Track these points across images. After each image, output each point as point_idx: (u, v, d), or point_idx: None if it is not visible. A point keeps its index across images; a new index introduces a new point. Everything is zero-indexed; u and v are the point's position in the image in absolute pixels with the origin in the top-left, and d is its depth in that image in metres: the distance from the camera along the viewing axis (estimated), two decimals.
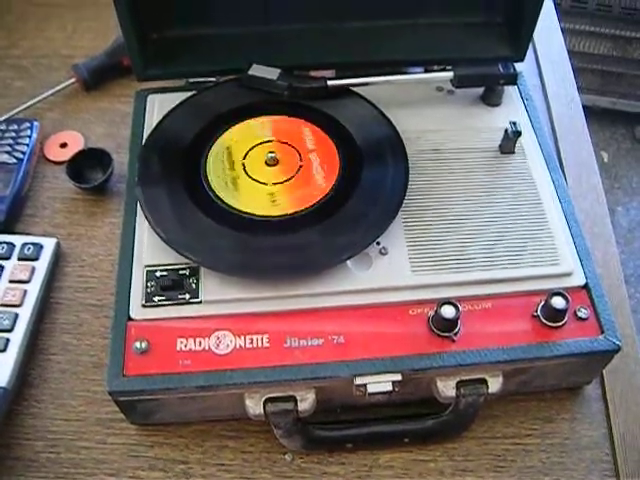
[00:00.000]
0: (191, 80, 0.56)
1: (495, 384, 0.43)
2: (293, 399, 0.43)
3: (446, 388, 0.43)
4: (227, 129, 0.52)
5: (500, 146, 0.51)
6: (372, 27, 0.55)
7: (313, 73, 0.54)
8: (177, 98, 0.54)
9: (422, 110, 0.54)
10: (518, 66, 0.54)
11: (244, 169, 0.49)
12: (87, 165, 0.58)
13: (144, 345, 0.43)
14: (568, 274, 0.46)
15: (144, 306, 0.44)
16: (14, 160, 0.57)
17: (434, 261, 0.46)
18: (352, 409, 0.46)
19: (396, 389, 0.43)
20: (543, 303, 0.44)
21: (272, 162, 0.49)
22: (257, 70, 0.52)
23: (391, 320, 0.44)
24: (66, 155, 0.59)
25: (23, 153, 0.58)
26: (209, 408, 0.45)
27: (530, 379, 0.46)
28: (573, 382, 0.48)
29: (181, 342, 0.43)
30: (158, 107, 0.54)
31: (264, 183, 0.49)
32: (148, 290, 0.45)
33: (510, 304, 0.45)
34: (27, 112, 0.63)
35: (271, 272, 0.45)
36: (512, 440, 0.46)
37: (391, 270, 0.46)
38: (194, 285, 0.45)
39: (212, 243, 0.46)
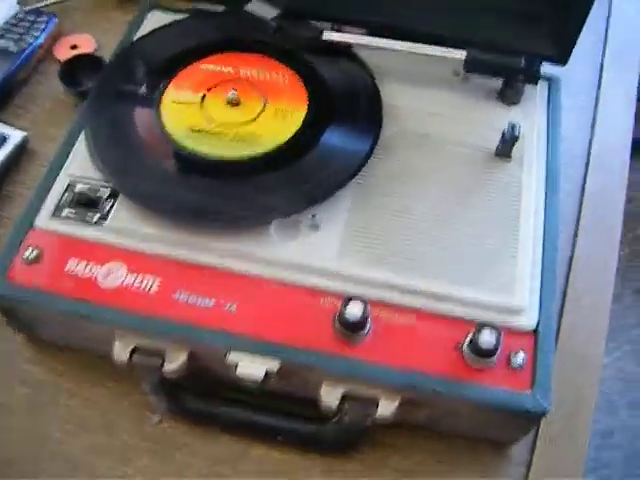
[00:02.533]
0: (198, 6, 0.52)
1: (386, 408, 0.37)
2: (161, 356, 0.39)
3: (329, 396, 0.38)
4: (197, 59, 0.47)
5: (496, 148, 0.44)
6: None
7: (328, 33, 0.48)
8: (173, 19, 0.51)
9: (427, 89, 0.47)
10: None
11: (202, 100, 0.45)
12: (83, 70, 0.55)
13: (34, 255, 0.40)
14: (518, 311, 0.39)
15: (52, 217, 0.42)
16: (16, 49, 0.56)
17: (370, 252, 0.40)
18: (235, 389, 0.41)
19: (272, 379, 0.38)
20: (472, 335, 0.37)
21: (233, 102, 0.45)
22: (255, 5, 0.47)
23: (296, 304, 0.39)
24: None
25: (29, 44, 0.56)
26: (89, 340, 0.41)
27: (438, 416, 0.39)
28: (494, 436, 0.40)
29: (72, 263, 0.40)
30: (152, 23, 0.51)
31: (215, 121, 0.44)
32: (61, 202, 0.42)
33: (437, 326, 0.38)
34: (56, 7, 0.61)
35: (184, 214, 0.41)
36: (403, 476, 0.40)
37: (315, 248, 0.40)
38: (107, 209, 0.42)
39: (136, 169, 0.42)
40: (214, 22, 0.50)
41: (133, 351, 0.39)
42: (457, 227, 0.41)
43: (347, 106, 0.45)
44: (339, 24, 0.48)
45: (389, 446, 0.41)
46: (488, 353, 0.37)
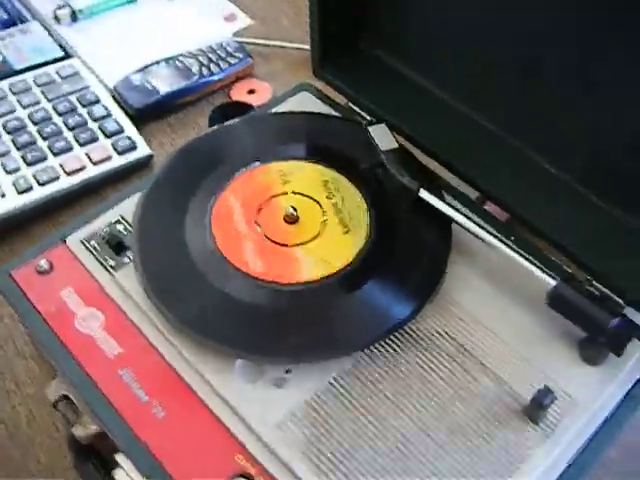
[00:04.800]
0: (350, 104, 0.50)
1: None
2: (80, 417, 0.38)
3: None
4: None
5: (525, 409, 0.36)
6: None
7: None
8: (314, 106, 0.49)
9: (500, 298, 0.40)
10: None
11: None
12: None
13: (45, 267, 0.42)
14: None
15: (81, 242, 0.43)
16: (198, 73, 0.59)
17: (308, 443, 0.35)
18: None
19: None
20: None
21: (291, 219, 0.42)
22: (379, 131, 0.44)
23: (214, 446, 0.35)
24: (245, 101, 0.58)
25: (210, 73, 0.59)
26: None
27: None
28: None
29: (68, 291, 0.41)
30: (292, 105, 0.50)
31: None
32: (97, 233, 0.43)
33: None
34: (266, 49, 0.63)
35: (172, 307, 0.39)
36: None
37: (263, 404, 0.36)
38: (125, 261, 0.42)
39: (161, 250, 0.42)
40: (322, 124, 0.48)
41: (64, 397, 0.39)
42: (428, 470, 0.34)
43: (401, 266, 0.40)
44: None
45: None
46: None
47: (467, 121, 0.45)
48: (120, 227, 0.43)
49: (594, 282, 0.38)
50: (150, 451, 0.35)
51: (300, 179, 0.44)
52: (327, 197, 0.43)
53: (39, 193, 0.51)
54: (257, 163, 0.45)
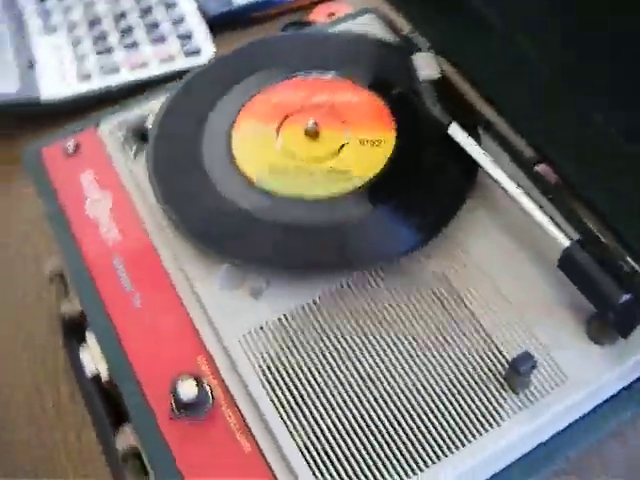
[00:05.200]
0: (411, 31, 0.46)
1: None
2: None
3: (122, 438, 0.34)
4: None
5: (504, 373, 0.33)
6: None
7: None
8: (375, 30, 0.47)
9: (516, 259, 0.36)
10: None
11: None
12: None
13: (71, 149, 0.43)
14: None
15: (111, 130, 0.43)
16: None
17: (270, 363, 0.34)
18: None
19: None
20: None
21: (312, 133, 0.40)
22: (423, 59, 0.40)
23: (179, 344, 0.35)
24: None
25: None
26: None
27: None
28: None
29: (86, 175, 0.42)
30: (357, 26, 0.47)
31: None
32: (128, 123, 0.43)
33: (260, 472, 0.32)
34: None
35: (171, 201, 0.39)
36: None
37: (235, 312, 0.35)
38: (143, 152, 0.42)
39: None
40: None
41: (59, 275, 0.40)
42: (381, 414, 0.32)
43: (411, 194, 0.38)
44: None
45: None
46: None
47: (535, 72, 0.40)
48: (148, 121, 0.43)
49: (628, 257, 0.34)
50: (118, 335, 0.36)
51: (330, 96, 0.42)
52: (353, 117, 0.41)
53: (98, 83, 0.52)
54: (288, 77, 0.43)
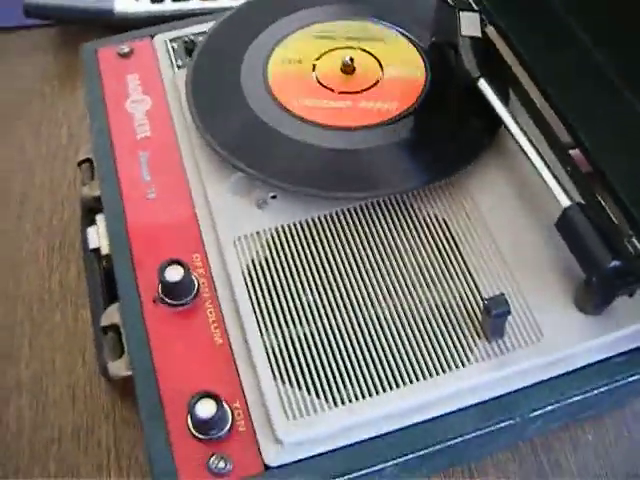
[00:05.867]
0: None
1: (115, 368, 0.34)
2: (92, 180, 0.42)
3: (107, 314, 0.36)
4: None
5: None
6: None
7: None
8: None
9: (520, 216, 0.36)
10: None
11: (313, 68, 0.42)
12: None
13: (125, 51, 0.45)
14: (276, 437, 0.30)
15: (167, 41, 0.46)
16: None
17: (258, 268, 0.35)
18: None
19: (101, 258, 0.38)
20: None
21: (348, 69, 0.41)
22: (469, 18, 0.41)
23: (179, 238, 0.37)
24: None
25: None
26: None
27: None
28: None
29: (133, 77, 0.44)
30: None
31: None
32: (182, 37, 0.46)
33: (223, 367, 0.33)
34: None
35: (202, 108, 0.40)
36: None
37: (236, 217, 0.36)
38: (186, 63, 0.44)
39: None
40: None
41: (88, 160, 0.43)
42: (359, 333, 0.33)
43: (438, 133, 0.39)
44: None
45: None
46: (196, 423, 0.31)
47: (583, 55, 0.40)
48: (199, 40, 0.45)
49: (633, 239, 0.33)
50: (125, 217, 0.38)
51: (367, 39, 0.43)
52: (389, 60, 0.42)
53: (170, 6, 0.54)
54: (328, 19, 0.45)
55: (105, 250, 0.37)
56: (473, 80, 0.38)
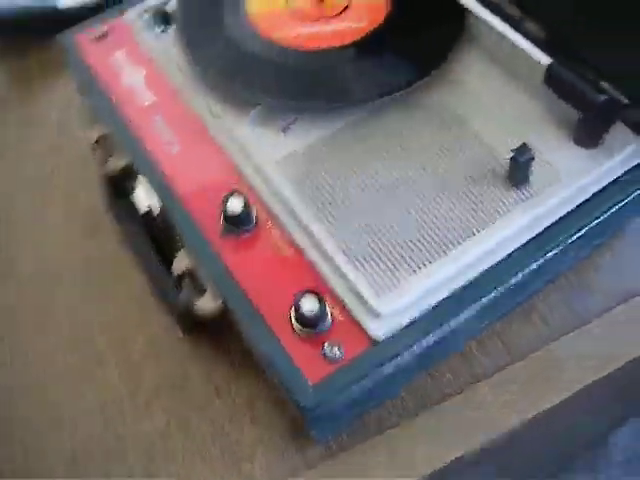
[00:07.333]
0: None
1: (206, 303, 0.37)
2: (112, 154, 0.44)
3: (178, 261, 0.39)
4: None
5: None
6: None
7: None
8: None
9: (508, 83, 0.42)
10: None
11: None
12: None
13: (101, 32, 0.47)
14: (375, 314, 0.35)
15: (135, 17, 0.48)
16: None
17: (306, 182, 0.39)
18: None
19: (154, 219, 0.41)
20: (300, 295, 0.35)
21: None
22: None
23: (218, 175, 0.40)
24: None
25: None
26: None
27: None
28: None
29: (119, 53, 0.46)
30: None
31: None
32: (150, 8, 0.48)
33: (302, 271, 0.36)
34: None
35: (202, 57, 0.44)
36: None
37: (267, 144, 0.40)
38: (168, 30, 0.47)
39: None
40: None
41: (101, 137, 0.45)
42: (400, 210, 0.37)
43: (415, 31, 0.43)
44: None
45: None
46: (304, 321, 0.34)
47: None
48: (169, 5, 0.48)
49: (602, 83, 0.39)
50: (165, 175, 0.40)
51: None
52: None
53: None
54: None
55: (157, 209, 0.40)
56: None
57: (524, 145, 0.36)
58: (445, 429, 0.38)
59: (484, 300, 0.36)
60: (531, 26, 0.41)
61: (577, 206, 0.38)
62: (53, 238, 0.47)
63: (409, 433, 0.38)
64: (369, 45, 0.43)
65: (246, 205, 0.37)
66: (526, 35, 0.41)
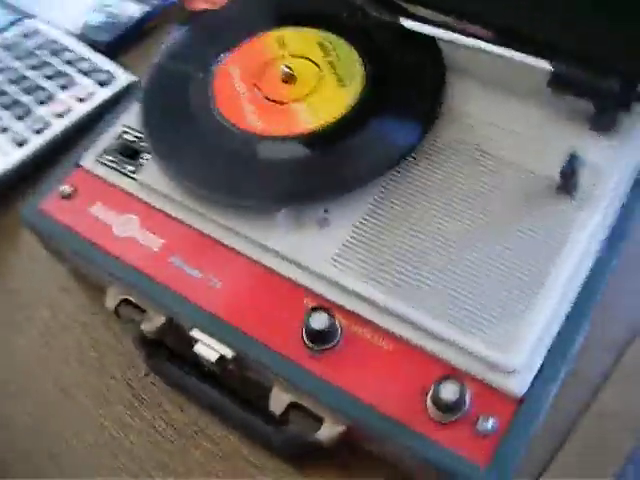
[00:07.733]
0: None
1: (329, 431, 0.34)
2: (144, 313, 0.39)
3: (276, 400, 0.36)
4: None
5: (558, 183, 0.38)
6: None
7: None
8: None
9: (506, 100, 0.41)
10: None
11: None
12: None
13: (68, 191, 0.43)
14: (508, 372, 0.33)
15: (96, 160, 0.44)
16: None
17: (369, 266, 0.36)
18: None
19: (227, 366, 0.37)
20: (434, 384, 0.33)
21: (288, 79, 0.43)
22: None
23: (278, 297, 0.37)
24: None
25: None
26: (96, 282, 0.43)
27: (382, 452, 0.36)
28: None
29: (98, 206, 0.42)
30: None
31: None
32: (108, 147, 0.44)
33: (413, 361, 0.34)
34: None
35: (202, 184, 0.40)
36: None
37: (314, 246, 0.37)
38: (143, 163, 0.43)
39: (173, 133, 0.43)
40: None
41: (123, 301, 0.40)
42: (475, 263, 0.36)
43: (402, 94, 0.42)
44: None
45: (338, 467, 0.38)
46: (447, 408, 0.32)
47: None
48: (128, 136, 0.44)
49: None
50: (221, 318, 0.37)
51: (296, 43, 0.45)
52: (323, 56, 0.44)
53: (37, 141, 0.51)
54: (253, 34, 0.46)
55: (230, 355, 0.36)
56: (397, 24, 0.42)
57: (572, 155, 0.36)
58: None
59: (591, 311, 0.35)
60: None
61: (633, 184, 0.38)
62: None
63: None
64: (361, 117, 0.41)
65: (330, 316, 0.34)
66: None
